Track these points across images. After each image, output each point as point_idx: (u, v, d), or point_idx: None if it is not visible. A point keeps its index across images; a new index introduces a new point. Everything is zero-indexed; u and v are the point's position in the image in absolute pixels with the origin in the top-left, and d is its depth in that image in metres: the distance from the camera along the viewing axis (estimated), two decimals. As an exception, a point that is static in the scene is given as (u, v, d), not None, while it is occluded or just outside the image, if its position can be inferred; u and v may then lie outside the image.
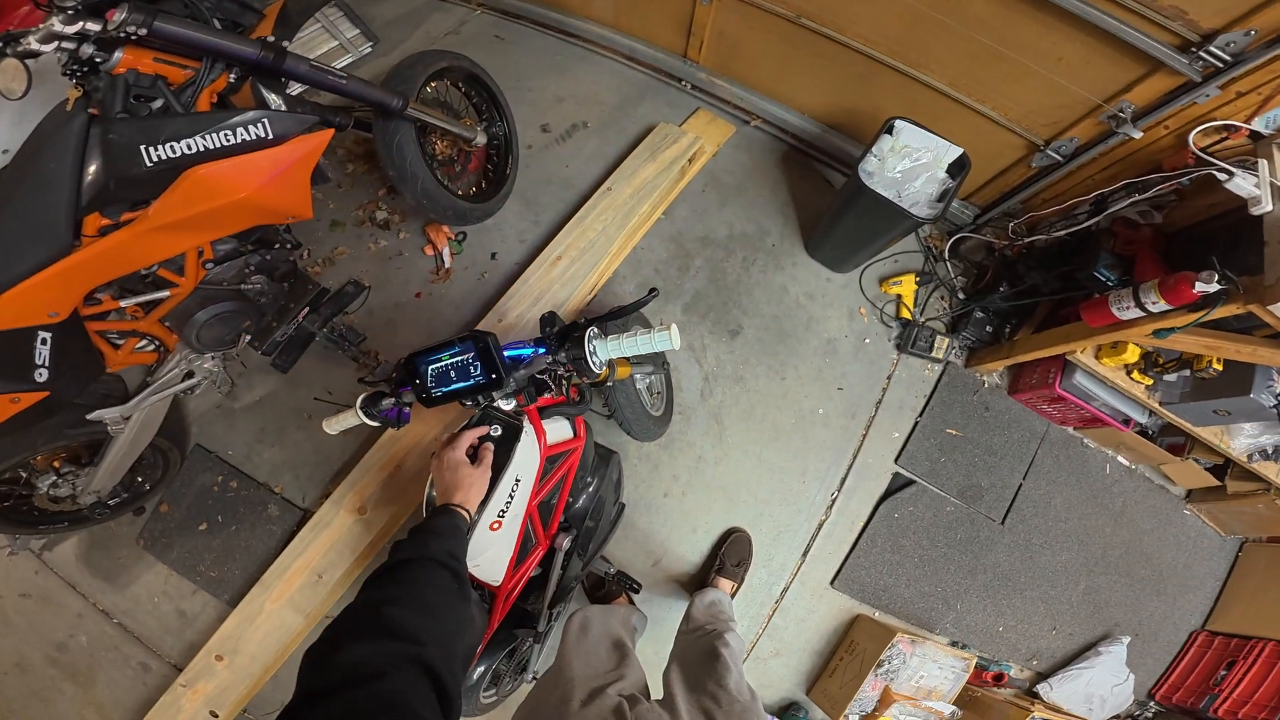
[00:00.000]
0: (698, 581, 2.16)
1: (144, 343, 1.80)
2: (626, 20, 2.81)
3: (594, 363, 1.15)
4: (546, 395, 1.28)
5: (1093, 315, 1.87)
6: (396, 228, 2.55)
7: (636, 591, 1.95)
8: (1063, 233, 2.07)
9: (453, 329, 2.40)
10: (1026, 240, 2.25)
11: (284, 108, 1.55)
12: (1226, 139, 1.70)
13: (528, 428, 1.25)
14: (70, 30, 1.28)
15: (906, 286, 2.45)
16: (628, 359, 1.35)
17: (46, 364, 1.50)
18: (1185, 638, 2.35)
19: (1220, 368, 1.91)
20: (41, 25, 1.27)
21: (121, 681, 2.23)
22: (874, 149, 2.05)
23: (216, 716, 2.04)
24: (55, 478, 1.91)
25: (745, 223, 2.60)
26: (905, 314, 2.45)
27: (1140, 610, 2.34)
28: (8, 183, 1.34)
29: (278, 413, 2.36)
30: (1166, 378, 2.01)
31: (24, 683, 2.23)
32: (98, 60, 1.33)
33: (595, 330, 1.17)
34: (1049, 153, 2.08)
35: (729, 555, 2.12)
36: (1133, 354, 2.00)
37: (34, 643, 2.28)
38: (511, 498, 1.24)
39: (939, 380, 2.43)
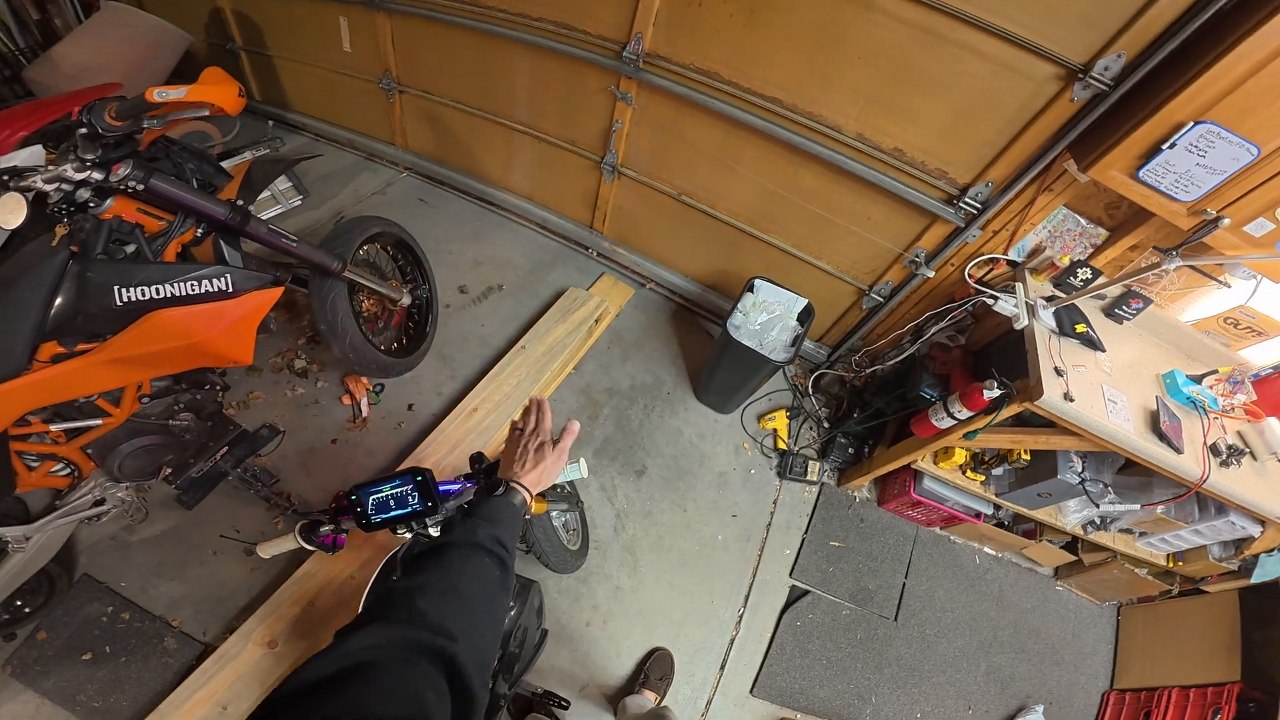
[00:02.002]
0: (622, 698, 2.17)
1: (60, 466, 1.76)
2: (541, 192, 3.31)
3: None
4: None
5: (920, 427, 2.23)
6: (315, 376, 2.66)
7: (565, 708, 1.93)
8: (894, 361, 2.54)
9: (368, 474, 2.45)
10: (869, 371, 2.73)
11: (240, 264, 1.73)
12: (993, 270, 2.21)
13: None
14: (78, 177, 1.43)
15: (780, 421, 2.83)
16: (543, 494, 1.51)
17: None
18: (1099, 699, 2.52)
19: (1028, 457, 2.25)
20: (51, 167, 1.42)
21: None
22: (739, 305, 2.49)
23: None
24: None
25: (644, 374, 2.94)
26: (782, 445, 2.80)
27: (1046, 680, 2.52)
28: None
29: (178, 548, 2.25)
30: (994, 472, 2.37)
31: None
32: (90, 204, 1.47)
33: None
34: (872, 295, 2.60)
35: (652, 670, 2.18)
36: (960, 456, 2.36)
37: None
38: None
39: (817, 500, 2.73)
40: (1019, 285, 2.04)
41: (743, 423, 2.86)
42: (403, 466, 2.37)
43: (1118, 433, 1.76)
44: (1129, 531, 2.35)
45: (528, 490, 1.04)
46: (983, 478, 2.39)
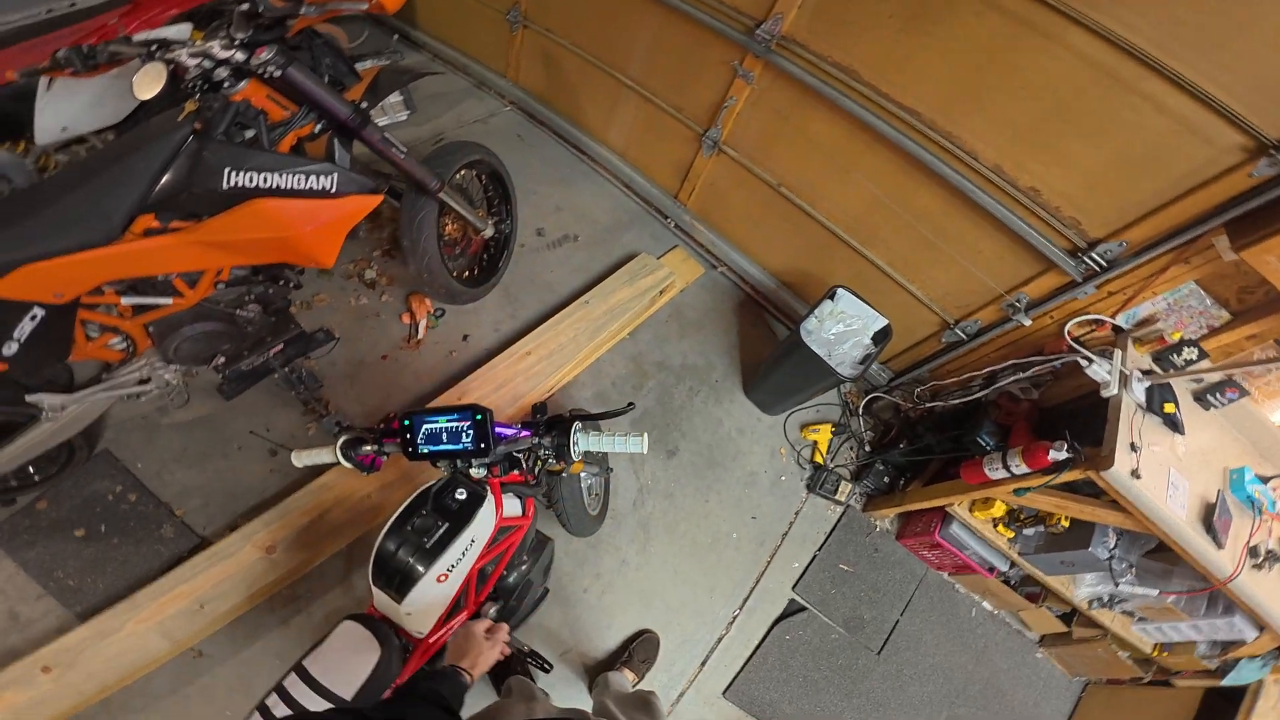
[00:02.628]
0: (601, 670, 2.14)
1: (118, 340, 1.72)
2: (635, 152, 3.15)
3: (574, 451, 1.27)
4: (515, 472, 1.37)
5: (970, 474, 2.10)
6: (381, 289, 2.60)
7: (547, 671, 1.90)
8: (958, 401, 2.39)
9: (411, 397, 2.41)
10: (928, 405, 2.59)
11: (348, 166, 1.66)
12: (1095, 331, 2.05)
13: (490, 497, 1.33)
14: (222, 55, 1.38)
15: (823, 434, 2.72)
16: (586, 453, 1.48)
17: (20, 339, 1.43)
18: (1031, 768, 2.47)
19: (1067, 524, 2.15)
20: (199, 42, 1.37)
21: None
22: (816, 311, 2.36)
23: (12, 733, 1.73)
24: (-69, 448, 1.66)
25: (697, 356, 2.82)
26: (819, 458, 2.70)
27: (995, 741, 2.48)
28: (90, 165, 1.36)
29: (205, 437, 2.22)
30: (1025, 531, 2.27)
31: None
32: (224, 84, 1.41)
33: (580, 425, 1.29)
34: (957, 330, 2.42)
35: (637, 651, 2.14)
36: (999, 509, 2.24)
37: None
38: (463, 556, 1.29)
39: (839, 520, 2.64)
40: (1118, 353, 1.88)
41: (785, 427, 2.76)
42: (445, 397, 2.34)
43: (1169, 518, 1.68)
44: (1129, 614, 2.27)
45: (470, 675, 1.10)
46: (1012, 534, 2.29)
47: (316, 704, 1.18)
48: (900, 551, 2.66)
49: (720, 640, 2.31)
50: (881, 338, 2.37)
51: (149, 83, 1.32)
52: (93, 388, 1.73)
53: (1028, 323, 2.18)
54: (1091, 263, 1.93)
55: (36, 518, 2.04)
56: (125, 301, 1.60)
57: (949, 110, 1.96)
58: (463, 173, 2.29)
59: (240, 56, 1.40)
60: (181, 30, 1.40)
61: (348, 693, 1.21)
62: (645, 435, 1.22)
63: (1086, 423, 1.85)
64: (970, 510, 2.31)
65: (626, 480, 2.46)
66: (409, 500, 1.32)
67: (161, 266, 1.51)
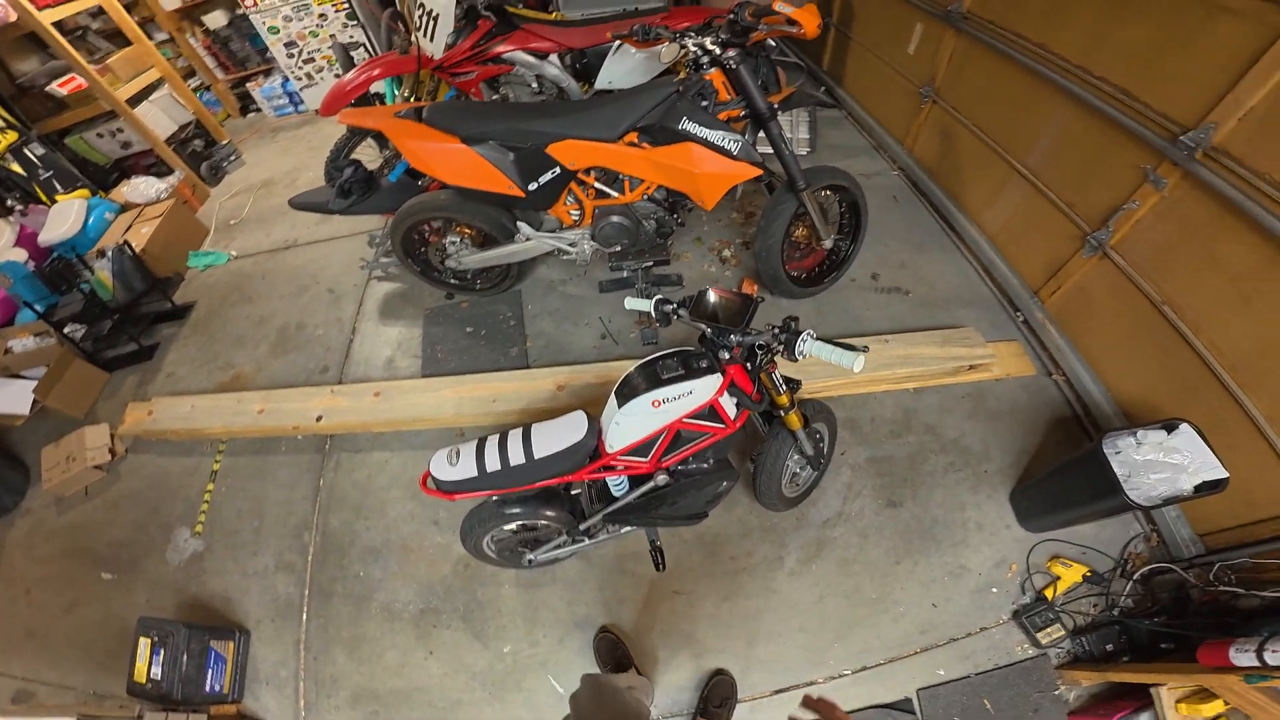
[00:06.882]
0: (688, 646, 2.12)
1: (576, 210, 2.56)
2: (1005, 238, 2.99)
3: (799, 349, 1.42)
4: (747, 364, 1.59)
5: (1209, 654, 1.61)
6: (728, 267, 3.17)
7: (660, 570, 2.02)
8: (1271, 594, 1.69)
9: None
10: (1229, 590, 1.84)
11: (750, 144, 2.22)
12: None
13: (720, 374, 1.58)
14: (709, 46, 2.09)
15: (1071, 574, 2.14)
16: (805, 414, 1.71)
17: (540, 183, 2.31)
18: None
19: None
20: (698, 35, 2.12)
21: (299, 363, 2.98)
22: (1139, 433, 1.91)
23: (319, 420, 2.54)
24: (457, 239, 2.71)
25: (977, 441, 2.50)
26: (1049, 593, 2.13)
27: None
28: (616, 96, 2.20)
29: (571, 308, 3.06)
30: None
31: (257, 330, 3.21)
32: (702, 66, 2.12)
33: (811, 332, 1.44)
34: None
35: (713, 696, 2.01)
36: (1214, 708, 1.67)
37: (286, 314, 3.27)
38: (678, 399, 1.56)
39: (1021, 661, 2.06)
40: None
41: (1032, 549, 2.25)
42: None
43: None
44: None
45: None
46: (1213, 745, 1.61)
47: (517, 454, 1.56)
48: (1060, 724, 1.97)
49: (808, 685, 2.06)
50: (1206, 489, 1.80)
51: (670, 54, 2.11)
52: (548, 232, 2.65)
53: None
54: None
55: (455, 310, 3.04)
56: (597, 185, 2.40)
57: None
58: (826, 191, 2.61)
59: (717, 50, 2.06)
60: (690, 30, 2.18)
61: (540, 453, 1.58)
62: (862, 358, 1.33)
63: None
64: (1178, 702, 1.72)
65: (831, 498, 2.39)
66: (666, 351, 1.65)
67: (626, 168, 2.26)
